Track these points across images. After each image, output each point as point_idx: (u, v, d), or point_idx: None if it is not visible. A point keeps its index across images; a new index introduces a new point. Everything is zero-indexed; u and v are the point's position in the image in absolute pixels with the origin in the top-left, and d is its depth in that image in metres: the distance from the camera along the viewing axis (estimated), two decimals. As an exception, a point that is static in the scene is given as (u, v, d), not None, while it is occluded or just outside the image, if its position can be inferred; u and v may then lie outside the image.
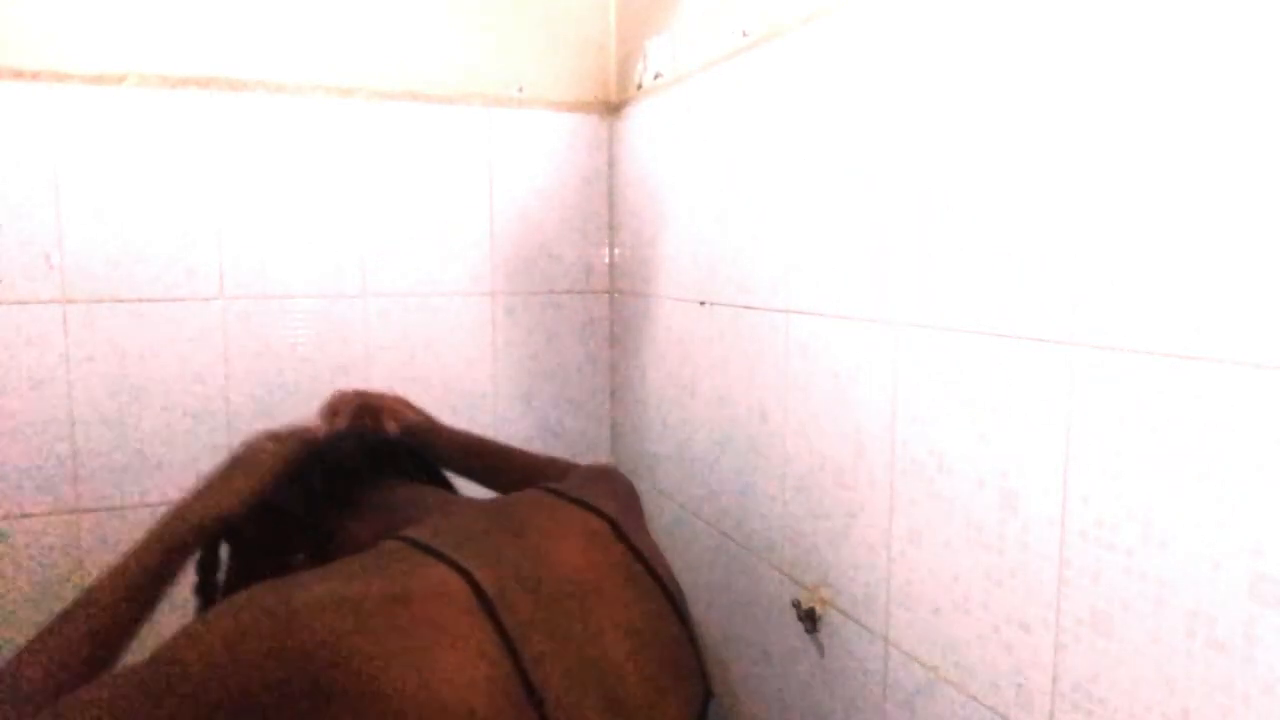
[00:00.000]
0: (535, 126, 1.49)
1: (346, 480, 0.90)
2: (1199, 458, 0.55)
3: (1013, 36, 0.69)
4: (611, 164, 1.54)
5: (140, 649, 0.75)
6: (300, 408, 1.39)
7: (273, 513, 0.87)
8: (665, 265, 1.34)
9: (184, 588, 0.84)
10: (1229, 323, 0.53)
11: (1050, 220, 0.66)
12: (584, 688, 0.66)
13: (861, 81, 0.87)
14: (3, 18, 1.22)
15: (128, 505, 1.32)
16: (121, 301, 1.29)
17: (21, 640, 0.75)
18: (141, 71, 1.28)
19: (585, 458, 1.58)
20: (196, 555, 0.85)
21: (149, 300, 1.30)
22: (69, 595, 1.29)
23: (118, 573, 0.78)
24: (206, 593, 0.88)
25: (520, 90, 1.48)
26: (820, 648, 0.98)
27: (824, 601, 0.97)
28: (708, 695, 0.76)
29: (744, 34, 1.08)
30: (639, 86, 1.42)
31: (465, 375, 1.49)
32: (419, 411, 1.11)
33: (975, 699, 0.76)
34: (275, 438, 0.90)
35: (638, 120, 1.43)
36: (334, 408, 1.08)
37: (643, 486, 1.43)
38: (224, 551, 0.89)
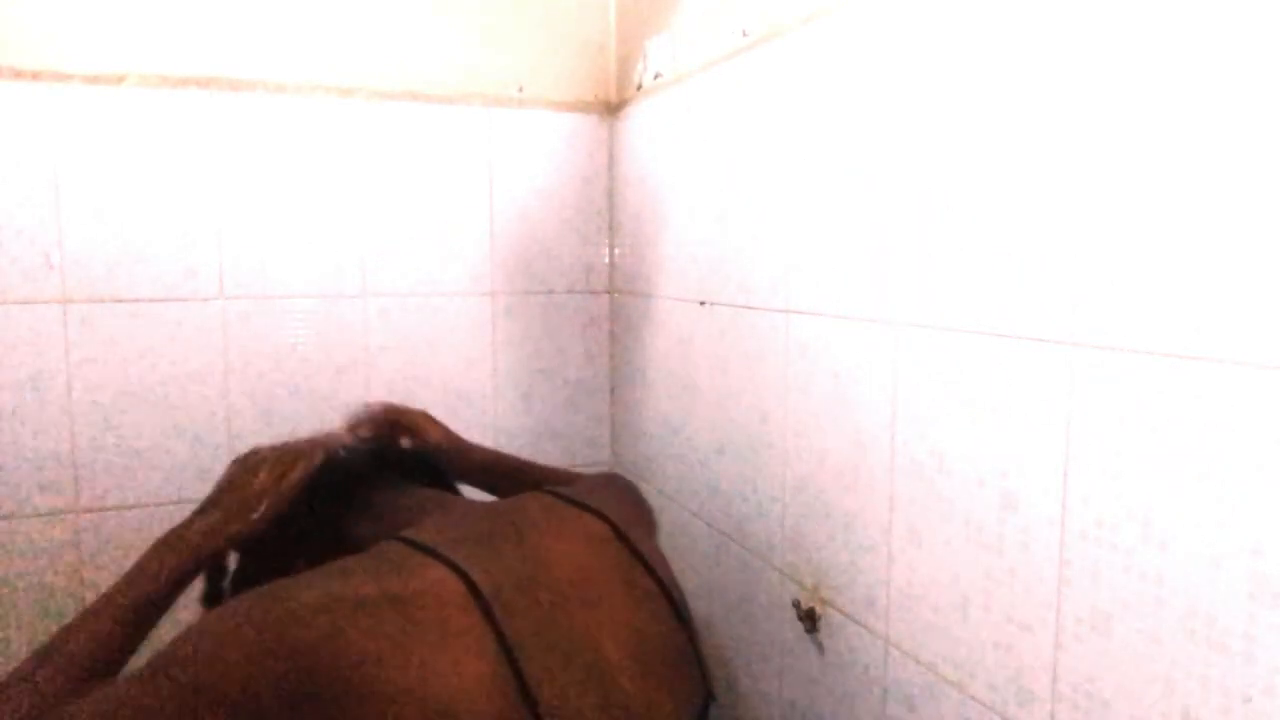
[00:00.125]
0: (535, 126, 1.49)
1: (355, 483, 0.90)
2: (1199, 458, 0.55)
3: (1013, 37, 0.69)
4: (611, 164, 1.54)
5: (140, 652, 0.75)
6: (300, 408, 1.39)
7: (281, 517, 0.87)
8: (665, 265, 1.34)
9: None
10: (1229, 323, 0.53)
11: (1050, 220, 0.66)
12: (580, 689, 0.66)
13: (861, 81, 0.87)
14: (3, 18, 1.22)
15: (128, 505, 1.32)
16: (121, 301, 1.29)
17: (21, 640, 0.75)
18: (141, 71, 1.28)
19: (585, 457, 1.58)
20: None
21: (149, 300, 1.30)
22: (69, 595, 1.30)
23: (131, 584, 0.77)
24: (213, 599, 0.88)
25: (520, 90, 1.48)
26: (820, 648, 0.98)
27: (824, 601, 0.97)
28: (709, 698, 0.76)
29: (744, 34, 1.08)
30: (639, 86, 1.42)
31: (465, 375, 1.49)
32: (444, 429, 1.10)
33: (975, 699, 0.76)
34: (280, 461, 0.87)
35: (638, 120, 1.43)
36: (360, 419, 1.07)
37: (643, 487, 1.43)
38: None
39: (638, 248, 1.45)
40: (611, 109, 1.53)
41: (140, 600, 0.76)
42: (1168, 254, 0.57)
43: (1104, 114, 0.61)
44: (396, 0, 1.40)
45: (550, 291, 1.53)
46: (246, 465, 0.87)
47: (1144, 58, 0.58)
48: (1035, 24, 0.67)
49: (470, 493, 1.04)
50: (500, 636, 0.64)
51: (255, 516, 0.83)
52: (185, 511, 0.89)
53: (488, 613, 0.65)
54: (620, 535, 0.79)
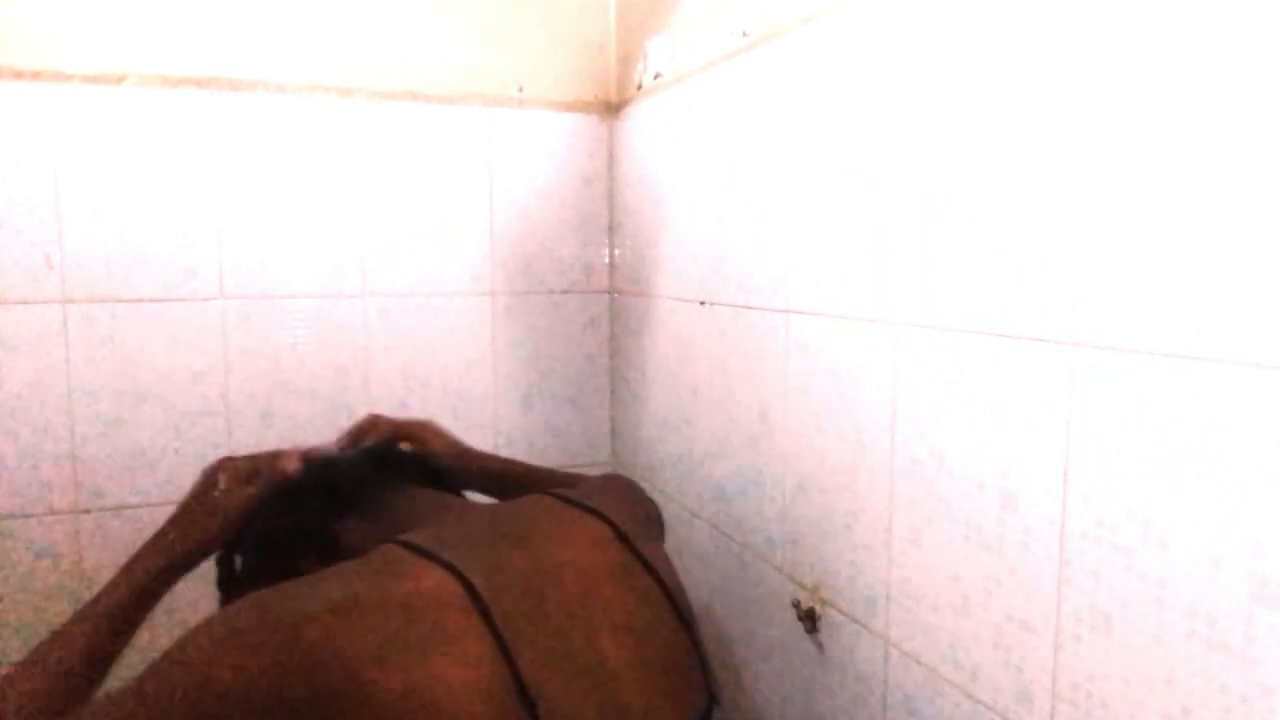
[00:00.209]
0: (535, 126, 1.49)
1: (355, 486, 0.90)
2: (1199, 458, 0.55)
3: (1013, 37, 0.69)
4: (611, 164, 1.54)
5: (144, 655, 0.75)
6: (300, 408, 1.39)
7: (282, 520, 0.87)
8: (665, 265, 1.34)
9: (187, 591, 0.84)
10: (1229, 323, 0.53)
11: (1050, 220, 0.66)
12: (579, 691, 0.66)
13: (861, 82, 0.87)
14: (3, 18, 1.22)
15: (128, 505, 1.32)
16: (121, 301, 1.29)
17: (21, 640, 0.75)
18: (141, 71, 1.28)
19: (585, 457, 1.58)
20: (217, 553, 0.87)
21: (149, 300, 1.30)
22: (69, 595, 1.30)
23: (110, 593, 0.79)
24: (227, 588, 0.89)
25: (520, 90, 1.48)
26: (820, 648, 0.98)
27: (824, 601, 0.97)
28: (711, 701, 0.76)
29: (744, 34, 1.08)
30: (639, 86, 1.42)
31: (465, 375, 1.49)
32: (444, 437, 1.09)
33: (975, 699, 0.76)
34: (248, 473, 0.89)
35: (638, 120, 1.43)
36: (362, 431, 1.06)
37: (643, 486, 1.43)
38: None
39: (638, 248, 1.45)
40: (611, 109, 1.53)
41: (113, 611, 0.77)
42: (1167, 254, 0.57)
43: (1104, 114, 0.61)
44: (396, 0, 1.40)
45: (550, 291, 1.53)
46: (208, 477, 0.88)
47: (1144, 58, 0.58)
48: (1035, 24, 0.67)
49: (473, 497, 1.03)
50: (498, 639, 0.64)
51: (211, 529, 0.85)
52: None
53: (486, 615, 0.65)
54: (621, 536, 0.79)
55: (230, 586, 0.89)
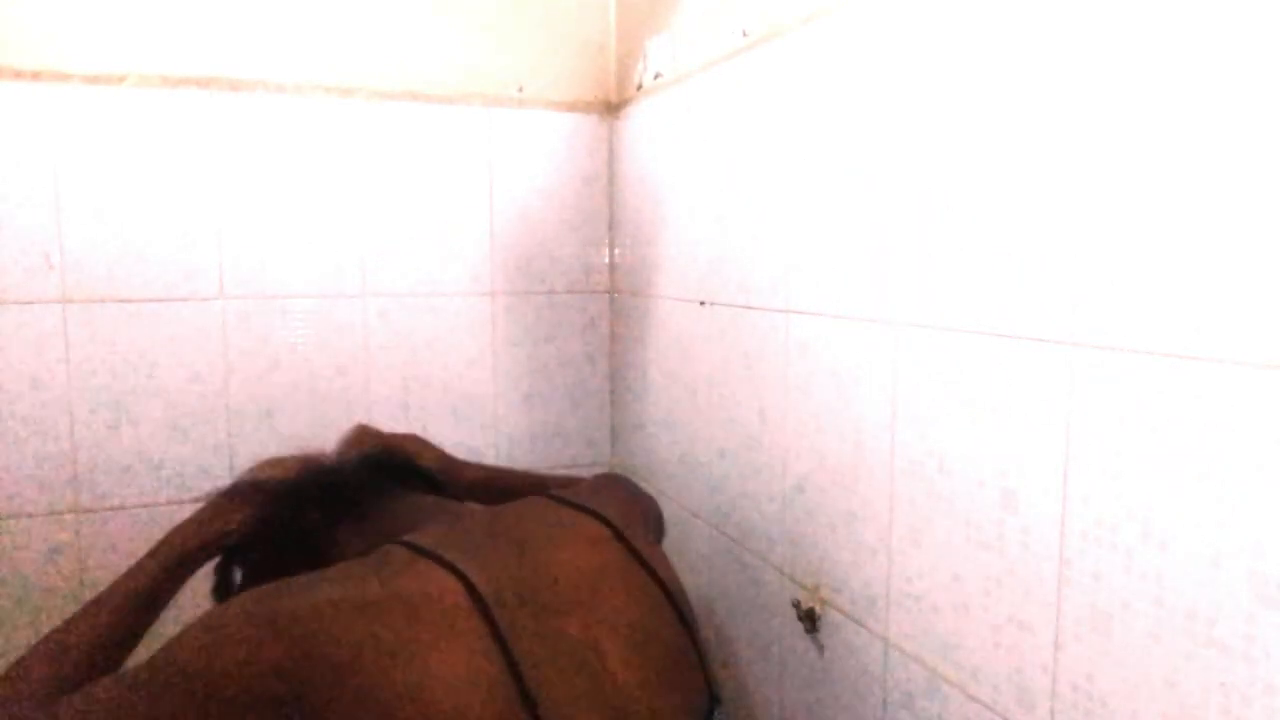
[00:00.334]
0: (535, 126, 1.49)
1: (352, 495, 0.91)
2: (1199, 458, 0.55)
3: (1013, 37, 0.69)
4: (611, 164, 1.54)
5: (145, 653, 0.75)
6: (300, 408, 1.39)
7: (280, 528, 0.87)
8: (665, 265, 1.34)
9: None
10: (1229, 323, 0.53)
11: (1050, 220, 0.66)
12: (580, 691, 0.66)
13: (862, 82, 0.87)
14: (3, 18, 1.22)
15: (128, 505, 1.32)
16: (121, 301, 1.29)
17: (21, 640, 0.75)
18: (141, 71, 1.28)
19: (585, 457, 1.58)
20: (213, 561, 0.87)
21: (149, 300, 1.30)
22: (69, 595, 1.30)
23: (124, 582, 0.79)
24: (223, 591, 0.89)
25: (520, 90, 1.48)
26: (820, 648, 0.98)
27: (824, 601, 0.97)
28: (713, 700, 0.76)
29: (744, 34, 1.08)
30: (639, 86, 1.42)
31: (465, 375, 1.49)
32: (434, 450, 1.09)
33: (975, 699, 0.76)
34: (278, 465, 0.90)
35: (638, 120, 1.43)
36: (354, 442, 1.06)
37: (643, 487, 1.43)
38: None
39: (638, 248, 1.45)
40: (611, 109, 1.53)
41: (134, 594, 0.77)
42: (1167, 254, 0.57)
43: (1104, 114, 0.61)
44: (396, 0, 1.40)
45: (550, 291, 1.53)
46: (253, 469, 0.90)
47: (1143, 58, 0.58)
48: (1035, 25, 0.67)
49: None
50: (500, 639, 0.64)
51: (235, 518, 0.86)
52: (185, 512, 0.89)
53: (488, 616, 0.65)
54: (620, 536, 0.79)
55: (225, 596, 0.89)
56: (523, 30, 1.48)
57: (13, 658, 0.72)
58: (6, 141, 1.22)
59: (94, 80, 1.26)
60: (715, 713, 0.76)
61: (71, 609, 1.26)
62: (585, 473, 1.57)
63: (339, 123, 1.38)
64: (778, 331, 1.03)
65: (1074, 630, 0.65)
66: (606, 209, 1.55)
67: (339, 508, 0.89)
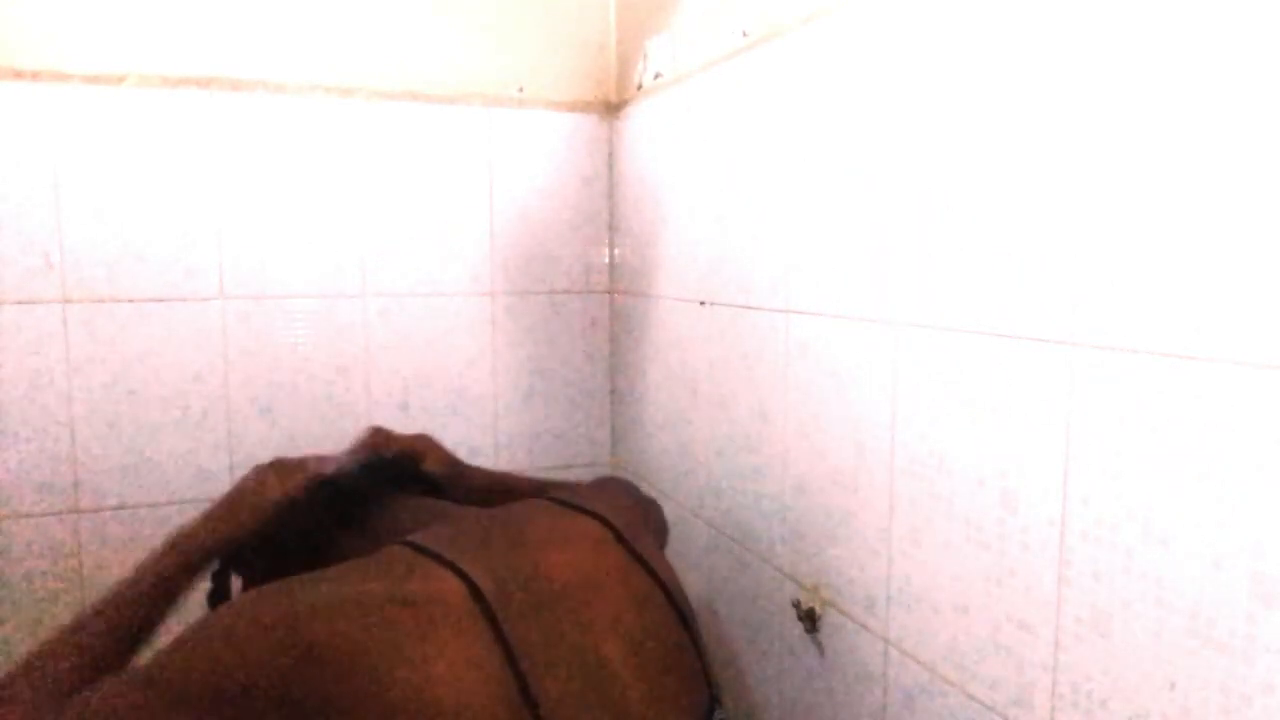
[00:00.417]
0: (535, 126, 1.49)
1: (355, 495, 0.91)
2: (1199, 458, 0.55)
3: (1013, 37, 0.69)
4: (611, 164, 1.54)
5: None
6: (300, 408, 1.39)
7: (281, 533, 0.87)
8: (665, 265, 1.34)
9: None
10: (1229, 323, 0.53)
11: (1050, 220, 0.66)
12: (581, 692, 0.66)
13: (861, 82, 0.87)
14: (3, 18, 1.22)
15: (128, 505, 1.32)
16: (121, 301, 1.29)
17: (21, 640, 0.75)
18: (141, 71, 1.28)
19: (585, 457, 1.58)
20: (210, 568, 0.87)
21: (149, 300, 1.30)
22: (69, 596, 1.30)
23: (133, 582, 0.78)
24: (218, 598, 0.89)
25: (520, 90, 1.48)
26: (820, 648, 0.98)
27: (824, 601, 0.97)
28: (714, 702, 0.76)
29: (744, 34, 1.08)
30: (639, 86, 1.42)
31: (465, 375, 1.49)
32: (440, 453, 1.09)
33: (975, 699, 0.76)
34: (282, 469, 0.89)
35: (638, 120, 1.43)
36: (367, 444, 1.06)
37: (643, 487, 1.43)
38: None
39: (638, 248, 1.45)
40: (611, 109, 1.53)
41: (153, 589, 0.77)
42: (1167, 254, 0.57)
43: (1104, 114, 0.61)
44: (396, 0, 1.40)
45: (550, 291, 1.53)
46: (255, 472, 0.89)
47: (1143, 58, 0.58)
48: (1035, 25, 0.67)
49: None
50: (503, 640, 0.64)
51: (241, 520, 0.85)
52: (185, 511, 0.90)
53: (490, 616, 0.65)
54: (620, 537, 0.79)
55: (221, 598, 0.89)
56: (523, 30, 1.48)
57: (12, 658, 0.72)
58: (6, 141, 1.22)
59: (94, 80, 1.26)
60: (716, 713, 0.76)
61: (71, 609, 1.27)
62: (585, 472, 1.57)
63: (339, 123, 1.38)
64: (778, 331, 1.03)
65: (1074, 630, 0.65)
66: (606, 209, 1.55)
67: (341, 515, 0.89)
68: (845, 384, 0.91)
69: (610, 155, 1.54)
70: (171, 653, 0.61)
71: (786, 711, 1.06)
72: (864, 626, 0.90)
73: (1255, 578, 0.52)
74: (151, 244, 1.30)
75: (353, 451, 1.04)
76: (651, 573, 0.78)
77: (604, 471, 1.59)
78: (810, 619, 0.98)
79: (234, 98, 1.32)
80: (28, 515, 1.27)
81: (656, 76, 1.35)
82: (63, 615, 1.28)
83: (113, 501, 1.31)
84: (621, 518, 0.82)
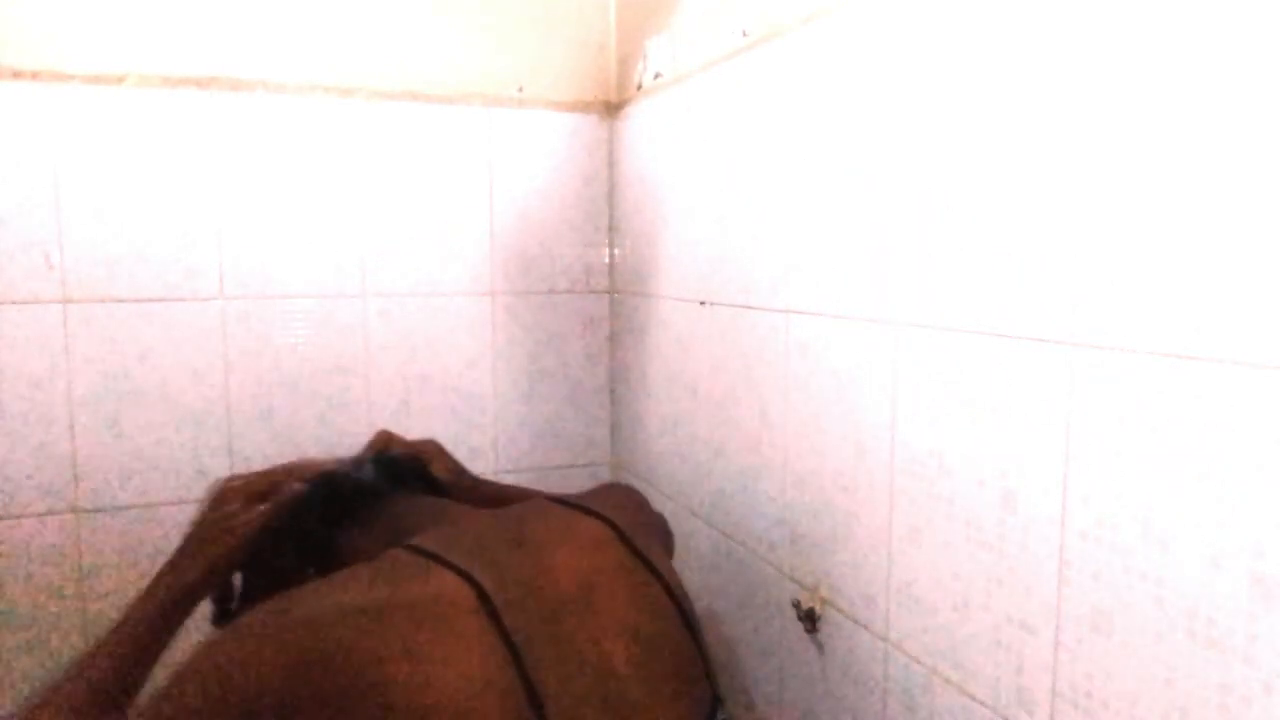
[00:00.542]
0: (535, 126, 1.49)
1: (355, 497, 0.90)
2: (1199, 458, 0.55)
3: (1013, 37, 0.69)
4: (611, 164, 1.54)
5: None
6: (300, 408, 1.39)
7: (284, 534, 0.87)
8: (665, 265, 1.34)
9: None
10: (1229, 323, 0.53)
11: (1050, 220, 0.66)
12: (586, 693, 0.66)
13: (861, 82, 0.87)
14: (3, 18, 1.22)
15: (128, 505, 1.32)
16: (121, 301, 1.29)
17: (20, 640, 0.75)
18: (141, 71, 1.28)
19: (585, 457, 1.58)
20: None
21: (149, 300, 1.30)
22: (69, 595, 1.30)
23: (134, 615, 0.78)
24: (222, 619, 0.89)
25: (520, 90, 1.48)
26: (820, 648, 0.98)
27: (824, 601, 0.97)
28: (716, 701, 0.76)
29: (744, 34, 1.08)
30: (639, 86, 1.42)
31: (465, 375, 1.49)
32: (447, 460, 1.08)
33: (975, 699, 0.76)
34: (259, 492, 0.88)
35: (638, 120, 1.43)
36: (376, 447, 1.05)
37: (642, 487, 1.43)
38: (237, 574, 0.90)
39: (638, 248, 1.45)
40: (611, 109, 1.53)
41: (135, 639, 0.77)
42: (1167, 254, 0.57)
43: (1103, 114, 0.61)
44: (396, 0, 1.40)
45: (550, 291, 1.53)
46: (216, 497, 0.87)
47: (1143, 58, 0.58)
48: (1035, 25, 0.67)
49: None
50: (507, 641, 0.64)
51: (224, 550, 0.84)
52: (185, 512, 0.89)
53: (495, 618, 0.65)
54: (623, 538, 0.79)
55: (225, 618, 0.89)
56: (523, 30, 1.48)
57: (14, 657, 0.72)
58: (6, 141, 1.22)
59: (94, 80, 1.26)
60: (719, 713, 0.76)
61: (71, 609, 1.27)
62: (585, 473, 1.57)
63: (339, 123, 1.38)
64: (778, 331, 1.03)
65: (1074, 630, 0.65)
66: (606, 209, 1.55)
67: (340, 513, 0.89)
68: (845, 384, 0.91)
69: (610, 155, 1.54)
70: (171, 687, 0.62)
71: (786, 711, 1.06)
72: (864, 626, 0.90)
73: (1255, 578, 0.52)
74: (151, 244, 1.30)
75: (365, 452, 1.03)
76: (654, 573, 0.78)
77: (604, 472, 1.59)
78: (810, 619, 0.98)
79: (234, 98, 1.32)
80: (28, 515, 1.27)
81: (656, 76, 1.35)
82: (62, 615, 1.28)
83: (113, 501, 1.31)
84: (624, 518, 0.82)
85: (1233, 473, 0.53)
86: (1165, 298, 0.57)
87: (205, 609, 0.87)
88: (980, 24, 0.72)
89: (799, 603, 1.00)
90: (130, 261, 1.29)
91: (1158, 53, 0.57)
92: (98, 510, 1.30)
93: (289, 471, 0.91)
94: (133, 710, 0.65)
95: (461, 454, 1.15)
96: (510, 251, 1.50)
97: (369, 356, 1.43)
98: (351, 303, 1.41)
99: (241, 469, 1.33)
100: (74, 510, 1.29)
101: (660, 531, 0.96)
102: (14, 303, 1.24)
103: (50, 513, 1.28)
